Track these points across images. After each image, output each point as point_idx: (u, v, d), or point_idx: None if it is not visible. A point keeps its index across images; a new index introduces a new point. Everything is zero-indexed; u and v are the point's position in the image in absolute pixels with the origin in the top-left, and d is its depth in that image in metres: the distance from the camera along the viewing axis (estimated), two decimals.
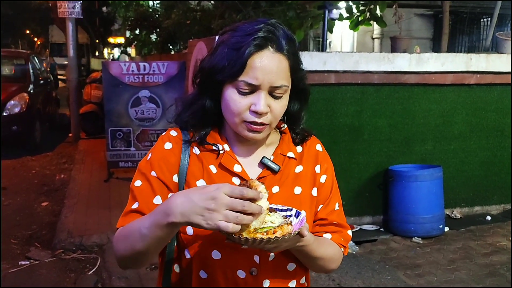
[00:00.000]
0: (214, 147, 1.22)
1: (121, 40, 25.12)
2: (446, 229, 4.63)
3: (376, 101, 4.63)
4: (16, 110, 7.73)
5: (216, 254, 1.16)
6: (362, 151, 4.67)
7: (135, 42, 14.76)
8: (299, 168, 1.27)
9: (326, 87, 4.45)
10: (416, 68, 4.63)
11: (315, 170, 1.29)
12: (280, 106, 1.14)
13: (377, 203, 4.78)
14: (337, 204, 1.30)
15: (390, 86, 4.63)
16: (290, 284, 1.25)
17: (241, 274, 1.18)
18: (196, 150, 1.23)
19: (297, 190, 1.25)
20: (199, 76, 1.19)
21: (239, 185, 1.02)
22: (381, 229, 4.63)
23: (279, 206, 1.12)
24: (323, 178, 1.29)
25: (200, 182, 1.20)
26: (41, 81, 9.52)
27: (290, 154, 1.26)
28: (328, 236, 1.27)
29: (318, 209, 1.27)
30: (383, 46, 11.34)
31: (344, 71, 4.44)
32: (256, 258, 1.17)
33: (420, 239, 4.40)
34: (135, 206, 1.15)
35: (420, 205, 4.41)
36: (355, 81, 4.50)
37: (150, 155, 1.23)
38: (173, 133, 1.25)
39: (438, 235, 4.48)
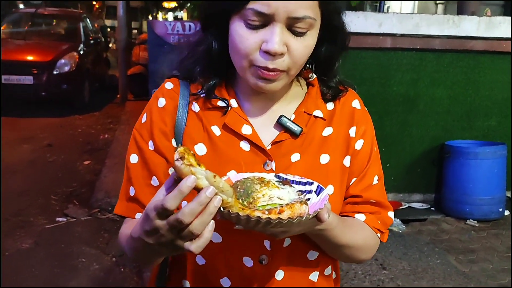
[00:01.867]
0: (219, 103, 0.99)
1: (174, 3, 25.21)
2: (506, 213, 4.27)
3: (435, 69, 4.26)
4: (66, 69, 7.84)
5: (216, 237, 0.96)
6: (416, 123, 4.36)
7: (187, 5, 14.66)
8: (328, 131, 1.03)
9: (381, 52, 4.15)
10: (484, 33, 4.17)
11: (349, 133, 1.04)
12: (302, 46, 0.89)
13: (429, 180, 4.47)
14: (375, 178, 1.06)
15: (453, 53, 4.24)
16: (311, 277, 1.03)
17: (248, 262, 0.97)
18: (195, 107, 1.01)
19: (324, 158, 1.01)
20: (203, 9, 0.96)
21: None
22: (432, 208, 4.36)
23: (296, 178, 0.88)
24: (359, 144, 1.04)
25: (200, 147, 0.99)
26: (92, 41, 9.59)
27: (317, 113, 1.02)
28: (361, 217, 1.03)
29: (350, 183, 1.04)
30: (447, 13, 10.55)
31: (402, 35, 4.10)
32: (267, 243, 0.96)
33: (475, 222, 4.08)
34: (132, 192, 0.99)
35: (479, 185, 4.08)
36: (414, 46, 4.16)
37: (144, 116, 1.03)
38: (168, 85, 1.03)
39: (496, 219, 4.15)
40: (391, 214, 1.08)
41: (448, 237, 3.83)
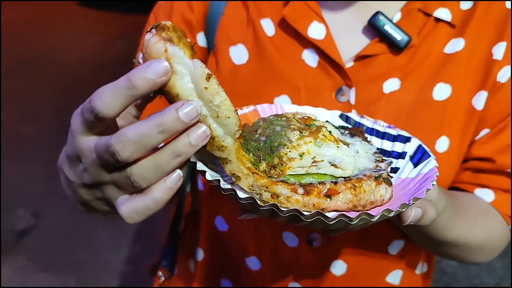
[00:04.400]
0: None
1: None
2: None
3: None
4: None
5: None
6: None
7: None
8: (455, 45, 0.65)
9: None
10: None
11: (492, 52, 0.66)
12: None
13: None
14: None
15: None
16: (389, 278, 0.71)
17: (290, 240, 0.67)
18: None
19: (441, 91, 0.64)
20: None
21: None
22: None
23: (379, 125, 0.53)
24: (505, 73, 0.65)
25: (238, 52, 0.66)
26: None
27: (442, 13, 0.65)
28: (486, 195, 0.67)
29: (478, 137, 0.68)
30: None
31: None
32: None
33: None
34: None
35: None
36: None
37: None
38: None
39: None
40: None
41: None
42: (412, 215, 0.43)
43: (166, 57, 0.38)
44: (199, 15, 0.67)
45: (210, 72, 0.38)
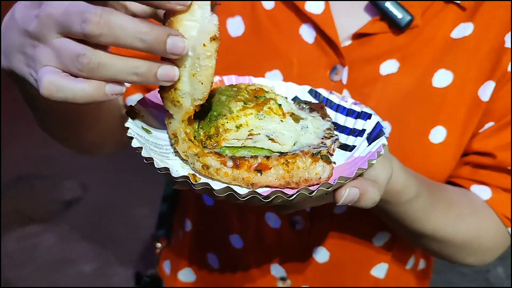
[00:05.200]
0: None
1: None
2: None
3: None
4: None
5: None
6: None
7: None
8: (463, 30, 0.61)
9: None
10: None
11: (505, 40, 0.60)
12: None
13: None
14: None
15: None
16: (374, 271, 0.67)
17: (273, 221, 0.65)
18: None
19: (442, 78, 0.60)
20: None
21: None
22: None
23: (345, 101, 0.51)
24: None
25: (235, 24, 0.65)
26: None
27: None
28: (483, 192, 0.63)
29: (481, 130, 0.63)
30: None
31: None
32: None
33: None
34: None
35: None
36: None
37: None
38: None
39: None
40: None
41: None
42: (345, 195, 0.40)
43: None
44: None
45: (218, 36, 0.37)
